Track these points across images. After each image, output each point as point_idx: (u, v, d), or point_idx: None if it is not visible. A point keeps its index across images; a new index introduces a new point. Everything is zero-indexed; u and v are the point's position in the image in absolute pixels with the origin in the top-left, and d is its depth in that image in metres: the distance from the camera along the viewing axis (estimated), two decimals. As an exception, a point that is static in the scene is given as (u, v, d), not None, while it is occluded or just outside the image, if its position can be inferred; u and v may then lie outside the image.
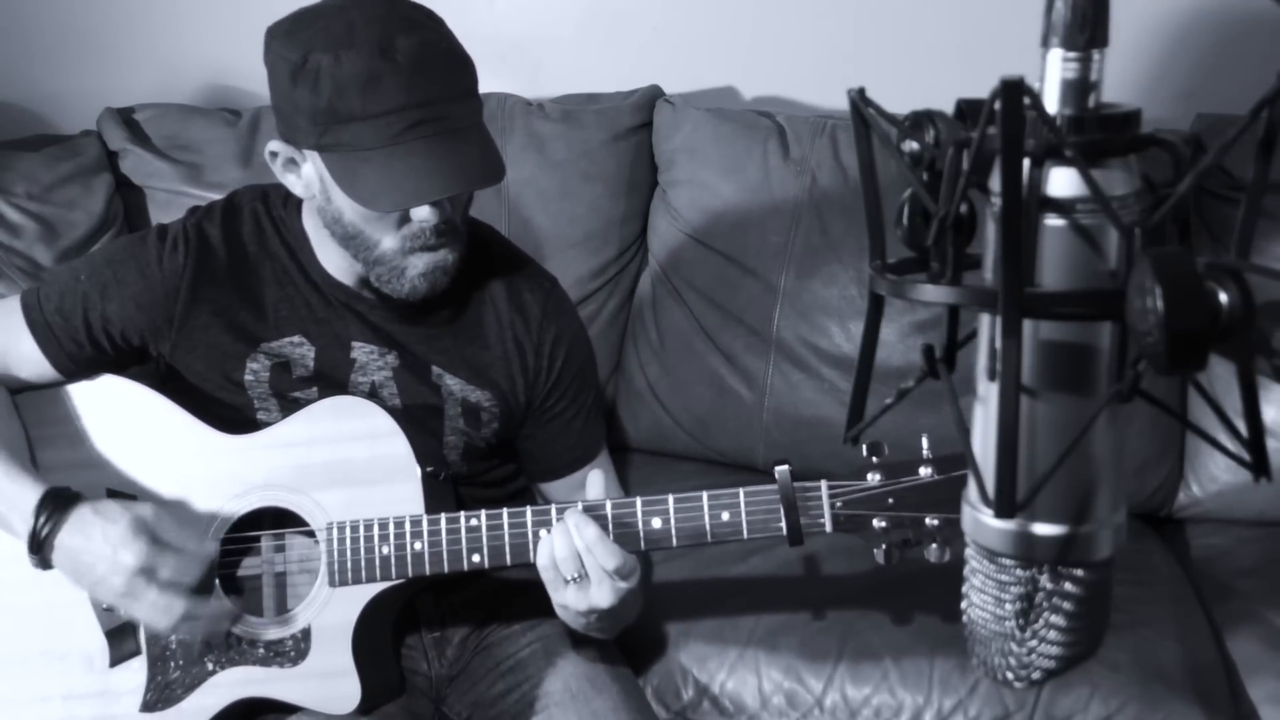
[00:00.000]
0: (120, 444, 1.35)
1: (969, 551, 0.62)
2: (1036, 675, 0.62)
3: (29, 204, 1.97)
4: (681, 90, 2.09)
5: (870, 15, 2.07)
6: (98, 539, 1.21)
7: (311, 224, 1.38)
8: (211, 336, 1.36)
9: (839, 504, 1.22)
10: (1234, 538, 1.82)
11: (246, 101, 2.18)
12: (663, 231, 2.01)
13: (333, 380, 1.38)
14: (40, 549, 1.22)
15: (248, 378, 1.36)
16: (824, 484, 1.23)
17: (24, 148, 2.03)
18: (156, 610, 1.22)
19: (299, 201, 1.40)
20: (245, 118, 2.09)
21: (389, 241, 1.27)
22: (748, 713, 1.51)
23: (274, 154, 1.30)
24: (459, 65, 1.24)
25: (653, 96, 2.06)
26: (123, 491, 1.33)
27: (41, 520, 1.22)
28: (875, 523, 1.22)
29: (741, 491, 1.24)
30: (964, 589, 0.64)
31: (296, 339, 1.37)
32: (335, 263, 1.37)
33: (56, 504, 1.23)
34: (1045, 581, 0.59)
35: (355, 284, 1.38)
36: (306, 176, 1.29)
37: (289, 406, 1.37)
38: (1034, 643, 0.61)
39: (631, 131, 2.03)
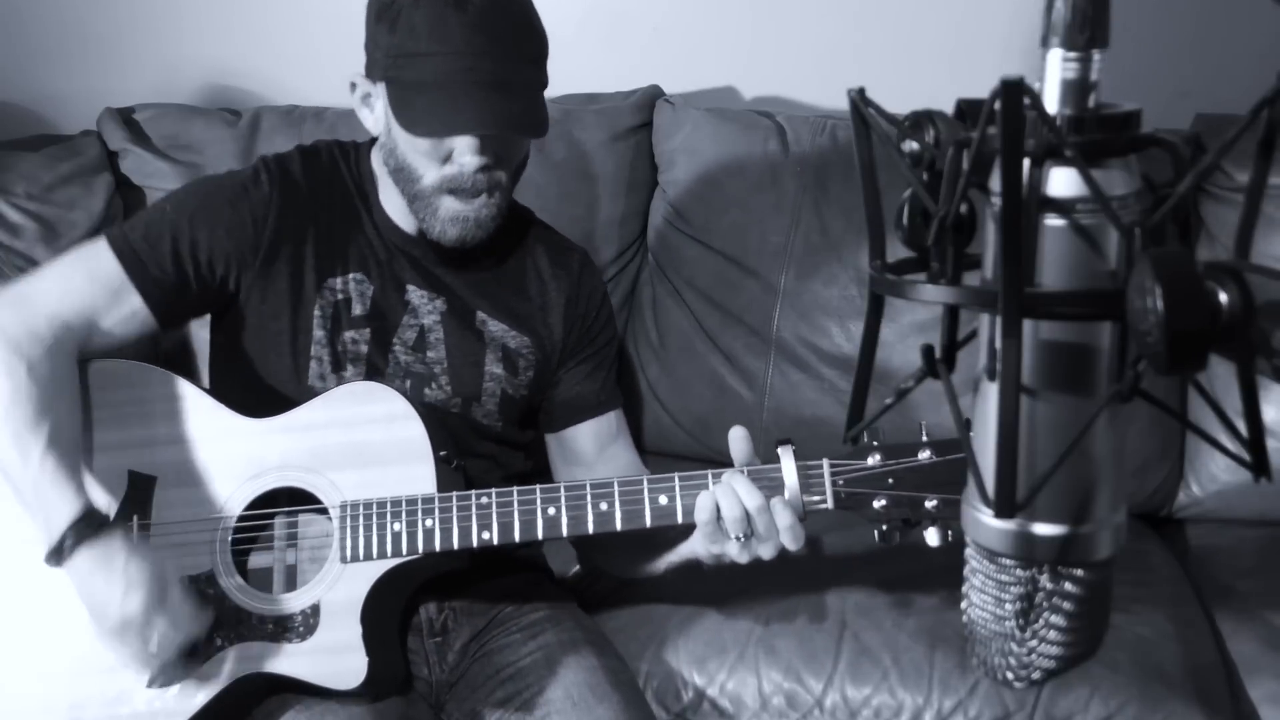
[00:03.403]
0: (140, 426, 1.37)
1: (969, 551, 0.62)
2: (1036, 675, 0.62)
3: (29, 204, 1.96)
4: (681, 90, 2.09)
5: (870, 15, 2.07)
6: (118, 570, 1.21)
7: (380, 169, 1.47)
8: (291, 267, 1.42)
9: (841, 482, 1.27)
10: (1234, 538, 1.82)
11: (246, 101, 2.18)
12: (663, 231, 2.01)
13: (385, 321, 1.44)
14: (59, 558, 1.22)
15: (316, 313, 1.42)
16: (826, 462, 1.28)
17: (24, 148, 2.03)
18: (132, 660, 1.25)
19: (369, 150, 1.50)
20: (245, 118, 2.09)
21: (429, 177, 1.36)
22: (747, 713, 1.51)
23: (354, 86, 1.41)
24: (525, 33, 1.36)
25: (653, 96, 2.06)
26: (142, 472, 1.35)
27: (68, 537, 1.22)
28: (875, 503, 1.27)
29: (746, 469, 1.29)
30: (964, 589, 0.64)
31: (359, 276, 1.45)
32: (396, 207, 1.46)
33: (89, 525, 1.23)
34: (1045, 581, 0.59)
35: (413, 230, 1.46)
36: (377, 111, 1.40)
37: (337, 357, 1.41)
38: (1034, 643, 0.61)
39: (631, 131, 2.03)
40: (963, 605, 0.64)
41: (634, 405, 2.01)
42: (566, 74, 2.13)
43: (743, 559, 1.30)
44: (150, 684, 1.29)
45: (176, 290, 1.39)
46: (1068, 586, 0.59)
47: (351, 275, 1.44)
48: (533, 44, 1.37)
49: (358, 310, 1.43)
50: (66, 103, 2.24)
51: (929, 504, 1.25)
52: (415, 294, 1.46)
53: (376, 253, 1.46)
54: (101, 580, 1.22)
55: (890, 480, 1.26)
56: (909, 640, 1.51)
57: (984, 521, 0.59)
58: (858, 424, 0.65)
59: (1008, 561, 0.59)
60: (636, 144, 2.03)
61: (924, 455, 1.26)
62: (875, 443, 1.27)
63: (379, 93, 1.38)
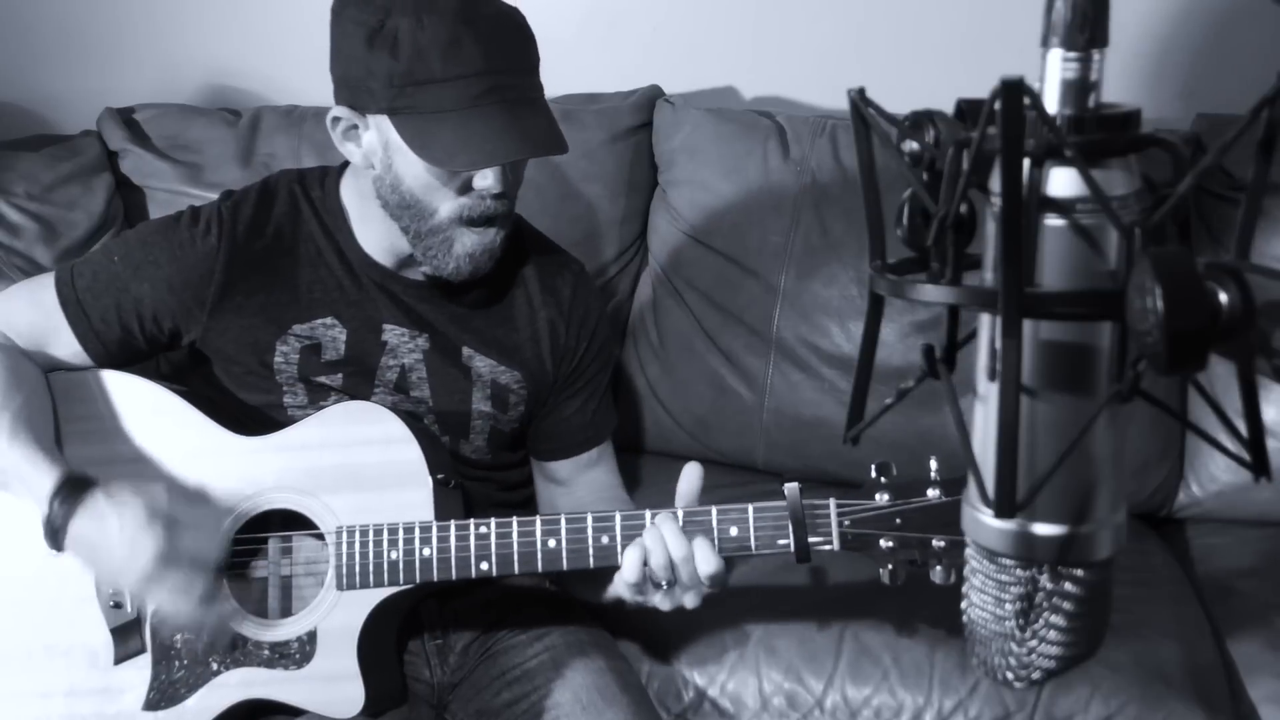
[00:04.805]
0: (132, 443, 1.35)
1: (969, 551, 0.62)
2: (1036, 675, 0.62)
3: (29, 204, 1.96)
4: (681, 90, 2.09)
5: (870, 15, 2.07)
6: (114, 527, 1.19)
7: (355, 199, 1.39)
8: (244, 319, 1.37)
9: (847, 523, 1.23)
10: (1234, 538, 1.82)
11: (246, 101, 2.18)
12: (663, 231, 2.01)
13: (362, 365, 1.38)
14: (55, 535, 1.21)
15: (277, 360, 1.37)
16: (832, 502, 1.23)
17: (24, 148, 2.03)
18: (177, 592, 1.21)
19: (337, 180, 1.41)
20: (245, 118, 2.09)
21: (446, 210, 1.29)
22: (748, 714, 1.51)
23: (336, 120, 1.31)
24: (528, 39, 1.30)
25: (653, 96, 2.06)
26: None
27: (56, 507, 1.21)
28: (882, 543, 1.22)
29: (751, 508, 1.24)
30: (964, 589, 0.63)
31: (329, 320, 1.38)
32: (374, 241, 1.39)
33: (71, 491, 1.21)
34: (1045, 581, 0.59)
35: (393, 264, 1.39)
36: (368, 144, 1.30)
37: (315, 391, 1.37)
38: (1034, 643, 0.61)
39: (631, 131, 2.02)
40: (963, 605, 0.64)
41: (634, 405, 2.01)
42: (566, 74, 2.13)
43: (665, 606, 1.25)
44: (191, 620, 1.27)
45: (120, 343, 1.37)
46: (1068, 586, 0.59)
47: (319, 320, 1.38)
48: (533, 48, 1.31)
49: (330, 355, 1.38)
50: (66, 103, 2.24)
51: (936, 544, 1.20)
52: (393, 333, 1.39)
53: (347, 294, 1.39)
54: (106, 545, 1.19)
55: (898, 520, 1.21)
56: (909, 640, 1.51)
57: (984, 521, 0.59)
58: (858, 424, 0.65)
59: (1008, 561, 0.59)
60: (636, 144, 2.03)
61: (933, 494, 1.21)
62: (884, 479, 1.23)
63: (374, 124, 1.28)
